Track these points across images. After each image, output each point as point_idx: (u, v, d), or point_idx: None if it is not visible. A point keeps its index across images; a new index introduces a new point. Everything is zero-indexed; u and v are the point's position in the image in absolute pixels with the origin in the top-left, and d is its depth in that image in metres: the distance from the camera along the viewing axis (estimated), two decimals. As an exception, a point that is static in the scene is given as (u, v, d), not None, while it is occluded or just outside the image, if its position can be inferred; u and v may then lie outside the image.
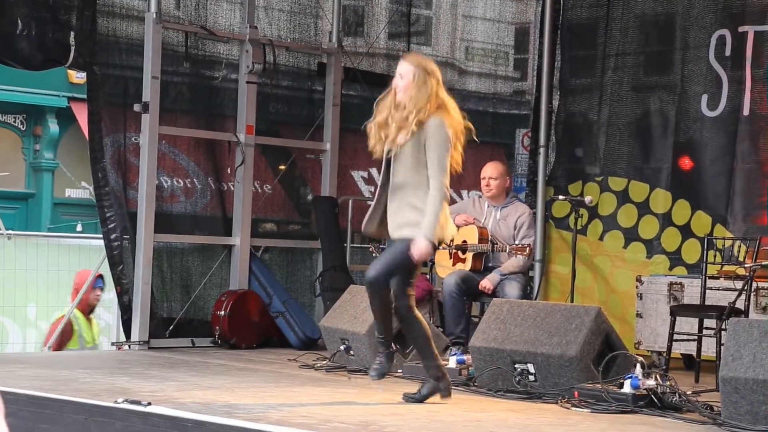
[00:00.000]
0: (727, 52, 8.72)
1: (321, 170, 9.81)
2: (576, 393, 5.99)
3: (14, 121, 17.43)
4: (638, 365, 5.93)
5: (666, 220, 9.04)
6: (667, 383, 5.92)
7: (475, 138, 5.98)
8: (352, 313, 7.56)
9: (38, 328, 9.98)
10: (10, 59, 8.43)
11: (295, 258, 9.86)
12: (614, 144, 9.45)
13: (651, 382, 5.86)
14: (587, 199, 8.45)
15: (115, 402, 5.33)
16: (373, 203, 6.01)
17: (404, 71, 5.86)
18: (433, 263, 8.46)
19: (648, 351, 8.31)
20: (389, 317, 5.94)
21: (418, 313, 5.94)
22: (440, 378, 5.93)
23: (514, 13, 11.57)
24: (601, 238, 9.38)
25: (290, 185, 10.09)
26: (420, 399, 5.91)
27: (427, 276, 9.61)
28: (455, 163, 5.88)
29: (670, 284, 8.27)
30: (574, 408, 5.88)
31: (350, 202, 10.02)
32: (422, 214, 5.73)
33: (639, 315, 8.42)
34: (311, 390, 6.43)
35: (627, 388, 5.83)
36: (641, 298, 8.43)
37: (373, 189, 10.57)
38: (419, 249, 5.70)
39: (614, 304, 9.01)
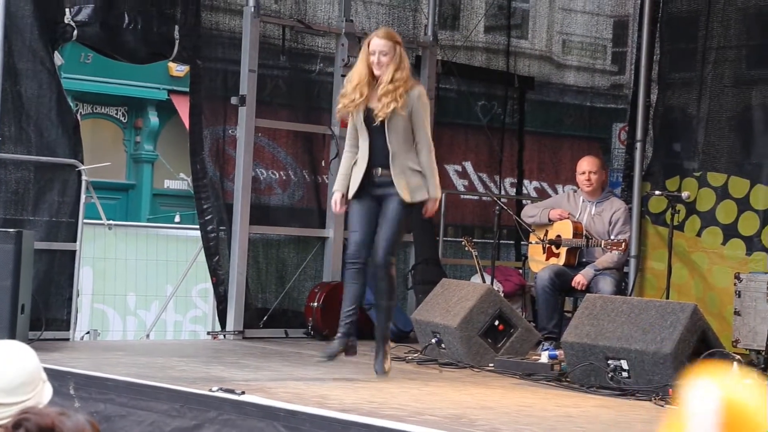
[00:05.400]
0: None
1: (415, 163, 9.79)
2: (671, 390, 5.91)
3: (116, 113, 17.79)
4: (735, 364, 5.82)
5: (767, 216, 8.86)
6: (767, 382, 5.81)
7: None
8: (444, 307, 7.56)
9: (137, 316, 10.17)
10: (116, 53, 8.55)
11: (388, 251, 9.87)
12: (714, 139, 9.29)
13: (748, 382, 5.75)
14: (684, 194, 8.32)
15: (210, 390, 5.41)
16: (344, 168, 6.62)
17: (386, 48, 6.31)
18: (526, 257, 8.41)
19: (746, 349, 8.16)
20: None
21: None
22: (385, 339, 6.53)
23: (612, 5, 11.44)
24: (698, 234, 9.23)
25: (384, 178, 10.10)
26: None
27: (520, 270, 9.57)
28: None
29: (770, 282, 8.11)
30: (668, 406, 5.81)
31: (443, 195, 10.01)
32: (422, 175, 6.40)
33: (737, 313, 8.27)
34: (402, 382, 6.45)
35: (723, 387, 5.73)
36: (740, 296, 8.27)
37: (466, 183, 10.56)
38: (435, 209, 6.60)
39: (711, 302, 8.87)
